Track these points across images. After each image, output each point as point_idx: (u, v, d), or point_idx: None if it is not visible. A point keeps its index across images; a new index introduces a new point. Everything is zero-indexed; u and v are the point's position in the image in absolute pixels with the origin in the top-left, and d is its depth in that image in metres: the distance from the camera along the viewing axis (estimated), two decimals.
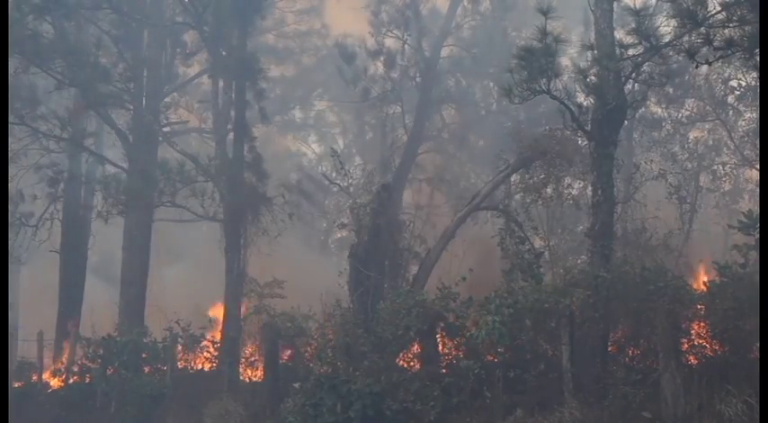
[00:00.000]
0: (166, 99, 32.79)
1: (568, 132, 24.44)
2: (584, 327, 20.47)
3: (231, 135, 27.95)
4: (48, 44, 27.94)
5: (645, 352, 20.11)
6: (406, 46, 34.77)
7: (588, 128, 22.00)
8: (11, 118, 28.48)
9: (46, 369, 29.45)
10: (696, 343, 19.62)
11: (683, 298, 19.94)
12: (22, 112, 28.60)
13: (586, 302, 20.60)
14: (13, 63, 28.27)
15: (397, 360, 22.68)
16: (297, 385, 21.58)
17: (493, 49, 35.12)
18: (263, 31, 33.91)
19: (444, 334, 22.45)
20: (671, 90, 30.16)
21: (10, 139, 30.98)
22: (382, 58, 34.75)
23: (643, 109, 28.75)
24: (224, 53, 28.12)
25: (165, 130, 31.78)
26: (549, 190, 27.22)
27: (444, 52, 37.17)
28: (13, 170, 32.00)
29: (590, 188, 23.05)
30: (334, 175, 28.01)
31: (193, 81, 35.15)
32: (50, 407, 26.59)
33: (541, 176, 27.15)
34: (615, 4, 22.35)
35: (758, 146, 19.40)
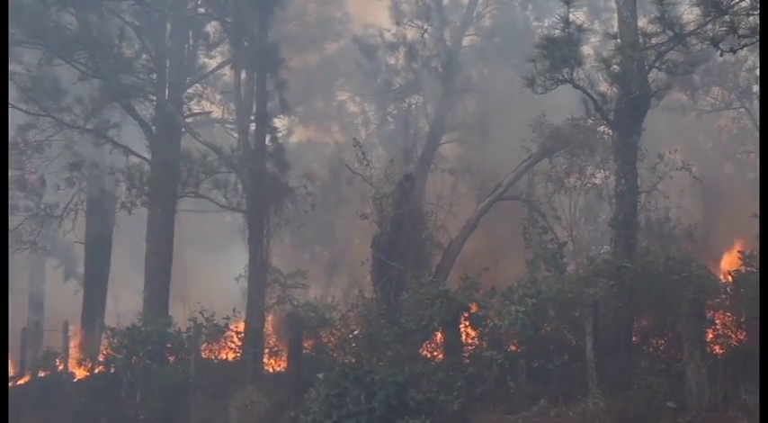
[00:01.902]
0: (189, 90, 32.79)
1: (591, 122, 24.36)
2: (608, 317, 20.45)
3: (254, 126, 27.98)
4: (71, 36, 28.01)
5: (669, 342, 20.07)
6: (426, 36, 34.68)
7: (611, 117, 21.93)
8: (35, 109, 28.70)
9: (71, 359, 29.66)
10: (721, 333, 19.56)
11: (707, 287, 19.87)
12: (46, 103, 28.73)
13: (610, 292, 20.58)
14: (36, 54, 28.43)
15: (421, 350, 22.75)
16: (320, 375, 21.61)
17: (515, 38, 34.98)
18: (284, 21, 33.90)
19: (467, 324, 22.48)
20: (696, 78, 29.98)
21: (33, 131, 31.26)
22: (403, 50, 34.70)
23: (666, 98, 28.59)
24: (246, 44, 28.15)
25: (188, 120, 31.79)
26: (571, 179, 27.18)
27: (465, 41, 37.07)
28: (37, 161, 32.23)
29: (613, 178, 22.98)
30: (356, 165, 27.94)
31: (216, 72, 35.19)
32: (76, 396, 26.74)
33: (564, 166, 27.11)
34: None
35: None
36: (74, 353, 29.83)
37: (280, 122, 29.01)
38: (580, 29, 20.58)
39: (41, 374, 29.07)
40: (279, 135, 28.41)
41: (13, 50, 27.69)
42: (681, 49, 20.81)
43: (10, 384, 30.14)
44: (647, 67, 21.43)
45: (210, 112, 36.94)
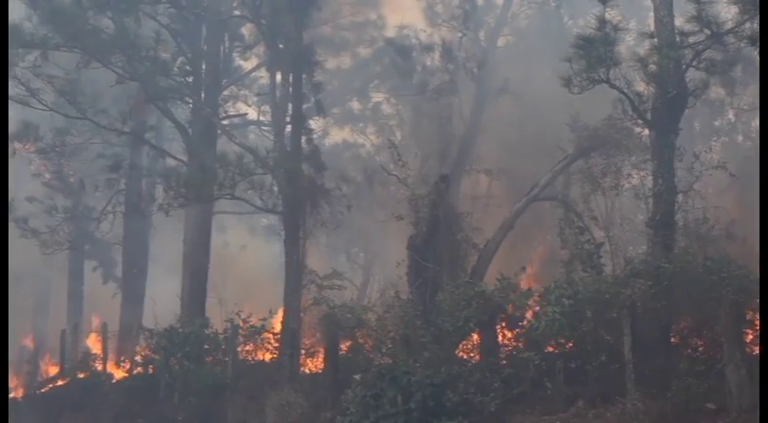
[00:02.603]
0: (225, 92, 33.00)
1: (628, 121, 24.22)
2: (646, 317, 20.28)
3: (289, 127, 28.08)
4: (108, 39, 28.24)
5: (708, 343, 19.91)
6: (462, 38, 34.63)
7: (648, 117, 21.81)
8: (73, 112, 28.94)
9: (110, 360, 29.90)
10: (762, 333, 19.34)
11: (747, 288, 19.67)
12: (84, 106, 29.00)
13: (648, 293, 20.43)
14: (74, 58, 28.69)
15: (457, 351, 22.70)
16: (357, 376, 21.63)
17: (550, 38, 34.86)
18: (319, 23, 34.03)
19: (504, 325, 22.42)
20: (733, 76, 29.68)
21: (72, 135, 31.60)
22: (438, 50, 34.68)
23: (704, 97, 28.39)
24: (281, 46, 28.23)
25: (224, 123, 31.97)
26: (608, 179, 27.03)
27: (500, 42, 37.01)
28: (75, 164, 32.56)
29: (650, 178, 22.83)
30: (391, 166, 27.94)
31: (251, 74, 35.37)
32: (115, 397, 26.97)
33: (601, 166, 26.96)
34: None
35: None
36: (112, 354, 30.10)
37: (315, 124, 29.08)
38: (616, 28, 20.51)
39: (80, 375, 29.32)
40: (314, 136, 28.50)
41: (50, 54, 28.04)
42: (718, 47, 20.68)
43: (50, 385, 30.54)
44: (684, 67, 21.31)
45: (246, 114, 37.14)
